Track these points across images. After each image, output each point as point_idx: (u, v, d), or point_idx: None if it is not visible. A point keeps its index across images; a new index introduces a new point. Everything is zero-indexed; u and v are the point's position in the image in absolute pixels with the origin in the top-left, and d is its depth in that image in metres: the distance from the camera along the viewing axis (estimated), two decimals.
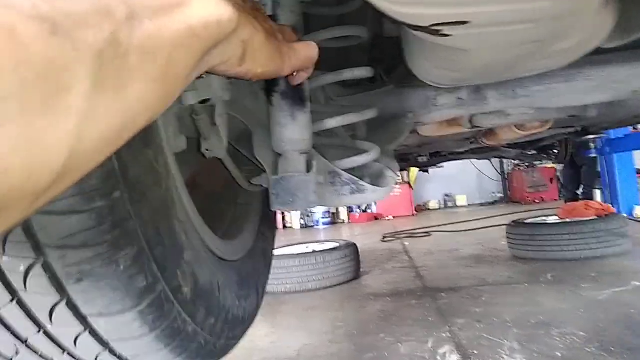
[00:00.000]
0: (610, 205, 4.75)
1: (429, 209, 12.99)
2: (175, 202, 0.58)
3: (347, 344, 2.47)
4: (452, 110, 1.28)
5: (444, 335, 2.42)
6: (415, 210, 11.96)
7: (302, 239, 6.93)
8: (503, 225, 5.61)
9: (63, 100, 0.26)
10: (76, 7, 0.28)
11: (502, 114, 1.47)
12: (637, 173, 7.03)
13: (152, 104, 0.34)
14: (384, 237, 6.85)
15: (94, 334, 0.52)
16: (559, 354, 2.03)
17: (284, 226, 10.97)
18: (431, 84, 1.02)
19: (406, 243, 6.18)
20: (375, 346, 2.37)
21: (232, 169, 0.86)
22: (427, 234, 6.80)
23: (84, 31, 0.28)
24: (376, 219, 11.12)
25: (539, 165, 10.63)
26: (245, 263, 0.90)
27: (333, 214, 11.28)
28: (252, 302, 0.87)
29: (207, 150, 0.75)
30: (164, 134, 0.59)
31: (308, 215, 10.96)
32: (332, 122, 0.89)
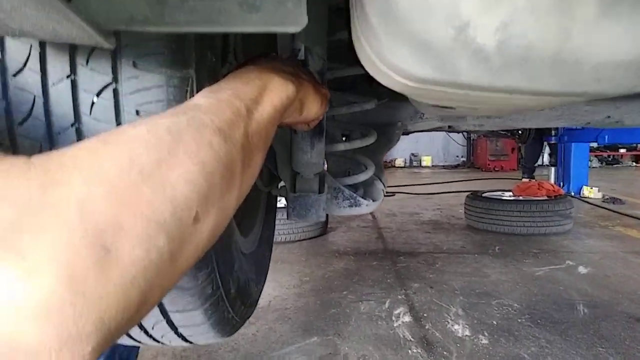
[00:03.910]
0: (560, 187, 5.16)
1: (394, 167, 13.40)
2: (234, 232, 0.76)
3: (313, 298, 2.73)
4: (436, 122, 1.47)
5: (399, 297, 2.71)
6: None
7: None
8: (462, 192, 5.98)
9: (234, 180, 0.42)
10: (226, 115, 0.43)
11: (478, 125, 1.68)
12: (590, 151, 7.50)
13: (260, 165, 0.51)
14: None
15: (169, 322, 0.71)
16: (494, 322, 2.35)
17: None
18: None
19: None
20: (339, 303, 2.64)
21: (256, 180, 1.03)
22: (392, 194, 7.14)
23: (234, 131, 0.43)
24: None
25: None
26: (257, 252, 1.09)
27: None
28: (261, 284, 1.07)
29: None
30: None
31: None
32: (340, 146, 1.07)
